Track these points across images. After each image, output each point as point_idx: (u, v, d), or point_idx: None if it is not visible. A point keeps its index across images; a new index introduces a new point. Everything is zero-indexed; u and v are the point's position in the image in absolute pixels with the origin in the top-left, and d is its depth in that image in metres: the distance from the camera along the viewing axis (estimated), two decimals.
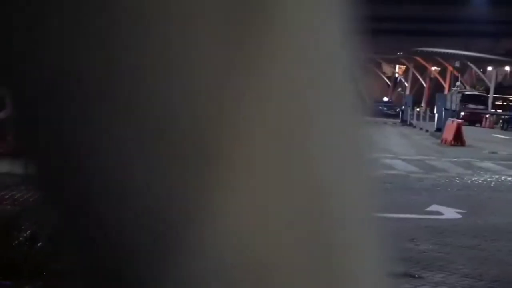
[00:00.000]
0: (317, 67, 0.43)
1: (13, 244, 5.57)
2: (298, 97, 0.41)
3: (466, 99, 63.61)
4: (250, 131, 0.41)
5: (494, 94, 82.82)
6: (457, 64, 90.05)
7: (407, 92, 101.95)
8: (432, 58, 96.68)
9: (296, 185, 0.42)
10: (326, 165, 0.43)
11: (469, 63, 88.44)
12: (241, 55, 0.40)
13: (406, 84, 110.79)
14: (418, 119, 52.64)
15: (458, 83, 70.28)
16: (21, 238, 5.62)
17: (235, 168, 0.40)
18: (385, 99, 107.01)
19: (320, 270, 0.42)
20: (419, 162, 23.72)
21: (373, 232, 0.46)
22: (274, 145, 0.41)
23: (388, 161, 23.65)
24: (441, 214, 13.48)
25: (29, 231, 5.66)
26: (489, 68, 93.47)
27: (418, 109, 57.95)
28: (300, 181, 0.42)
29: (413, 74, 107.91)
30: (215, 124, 0.40)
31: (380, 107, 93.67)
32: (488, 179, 19.63)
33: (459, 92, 61.73)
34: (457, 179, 19.33)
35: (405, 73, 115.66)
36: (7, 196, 12.24)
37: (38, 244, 5.68)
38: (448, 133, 34.06)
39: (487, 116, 60.90)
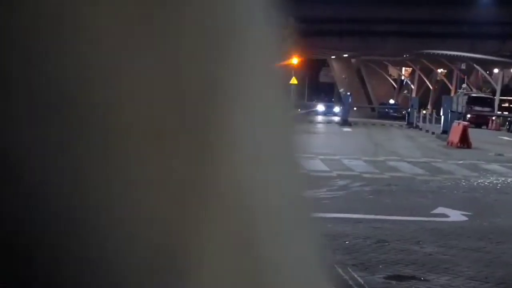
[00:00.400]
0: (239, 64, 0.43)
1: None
2: (220, 92, 0.41)
3: (472, 101, 63.52)
4: (168, 127, 0.40)
5: (501, 96, 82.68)
6: (463, 66, 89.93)
7: (413, 94, 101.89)
8: (438, 60, 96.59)
9: (219, 181, 0.41)
10: (250, 162, 0.43)
11: (475, 65, 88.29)
12: (156, 50, 0.39)
13: (412, 86, 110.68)
14: (424, 121, 52.58)
15: (464, 85, 70.16)
16: None
17: (155, 162, 0.39)
18: (391, 101, 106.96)
19: (244, 264, 0.43)
20: (425, 164, 23.67)
21: (301, 229, 0.46)
22: (195, 140, 0.40)
23: (394, 163, 23.63)
24: (447, 216, 13.42)
25: None
26: (496, 70, 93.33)
27: (424, 112, 57.90)
28: (224, 178, 0.41)
29: (419, 76, 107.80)
30: (133, 119, 0.39)
31: (387, 110, 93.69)
32: (494, 181, 19.57)
33: (465, 94, 61.66)
34: (463, 181, 19.27)
35: (411, 75, 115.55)
36: None
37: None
38: (454, 135, 34.00)
39: (494, 118, 60.80)
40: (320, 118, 69.23)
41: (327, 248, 0.47)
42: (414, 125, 54.48)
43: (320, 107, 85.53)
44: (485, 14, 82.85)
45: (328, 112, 68.65)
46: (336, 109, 63.03)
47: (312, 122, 60.09)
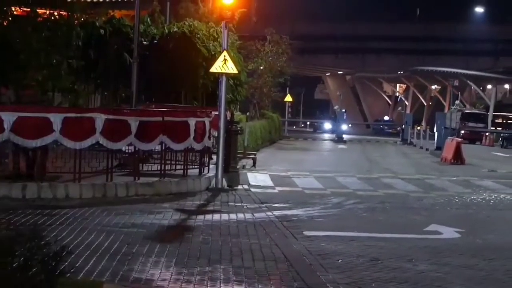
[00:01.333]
0: None
1: (6, 270, 5.55)
2: None
3: (466, 117, 63.55)
4: None
5: (494, 112, 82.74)
6: (456, 83, 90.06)
7: (408, 110, 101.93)
8: (432, 77, 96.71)
9: None
10: None
11: (468, 81, 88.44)
12: None
13: (406, 102, 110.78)
14: (418, 137, 52.63)
15: (457, 102, 70.26)
16: (14, 264, 5.59)
17: None
18: (386, 118, 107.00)
19: None
20: (419, 181, 23.72)
21: None
22: None
23: (388, 180, 23.67)
24: (440, 233, 13.45)
25: (22, 258, 5.63)
26: (489, 86, 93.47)
27: (418, 128, 57.94)
28: None
29: (414, 93, 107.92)
30: None
31: (381, 126, 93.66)
32: (487, 198, 19.60)
33: (458, 111, 61.75)
34: (456, 198, 19.30)
35: (406, 92, 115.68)
36: (4, 219, 12.21)
37: (33, 270, 5.65)
38: (448, 152, 34.05)
39: (487, 134, 60.86)
40: (327, 135, 68.09)
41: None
42: (409, 142, 54.48)
43: (327, 125, 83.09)
44: (479, 32, 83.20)
45: (335, 130, 66.69)
46: (344, 127, 62.16)
47: (307, 139, 60.05)
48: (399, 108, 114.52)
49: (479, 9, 79.59)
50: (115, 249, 10.15)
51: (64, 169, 16.51)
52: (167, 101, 26.04)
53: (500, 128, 70.28)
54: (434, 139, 46.16)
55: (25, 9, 19.43)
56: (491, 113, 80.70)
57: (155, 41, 28.11)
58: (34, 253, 5.71)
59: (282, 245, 11.13)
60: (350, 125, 77.79)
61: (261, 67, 50.37)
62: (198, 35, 28.21)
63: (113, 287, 8.01)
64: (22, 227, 11.21)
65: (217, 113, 19.68)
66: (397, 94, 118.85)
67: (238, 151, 23.36)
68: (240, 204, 16.21)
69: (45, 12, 19.10)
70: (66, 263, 5.94)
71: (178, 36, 28.15)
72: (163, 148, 18.48)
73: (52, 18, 18.72)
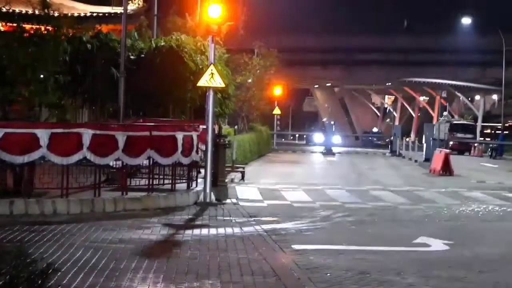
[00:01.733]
0: None
1: None
2: None
3: (454, 128, 63.72)
4: None
5: (482, 122, 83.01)
6: (443, 94, 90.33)
7: (396, 122, 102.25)
8: (420, 88, 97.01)
9: None
10: None
11: (456, 92, 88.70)
12: None
13: (395, 114, 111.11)
14: (407, 149, 52.70)
15: (445, 113, 70.40)
16: (0, 283, 5.55)
17: None
18: (375, 129, 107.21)
19: None
20: (408, 193, 23.73)
21: None
22: None
23: (377, 192, 23.68)
24: (429, 246, 13.43)
25: (8, 276, 5.58)
26: (477, 97, 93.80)
27: (407, 139, 58.04)
28: None
29: (402, 104, 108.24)
30: None
31: (370, 138, 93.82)
32: (476, 209, 19.62)
33: (447, 122, 61.88)
34: (445, 210, 19.31)
35: (394, 103, 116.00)
36: None
37: None
38: (436, 163, 34.12)
39: (476, 145, 61.01)
40: (318, 148, 66.62)
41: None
42: (397, 153, 54.55)
43: (318, 138, 78.91)
44: (467, 43, 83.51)
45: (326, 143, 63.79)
46: (335, 139, 61.10)
47: (296, 151, 60.02)
48: (388, 120, 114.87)
49: (466, 20, 79.91)
50: (103, 265, 10.09)
51: (51, 185, 16.45)
52: (154, 115, 26.00)
53: (488, 139, 70.50)
54: (423, 151, 46.25)
55: (11, 24, 19.36)
56: (479, 124, 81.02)
57: (143, 55, 28.05)
58: (20, 271, 5.67)
59: (270, 259, 11.09)
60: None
61: (249, 80, 50.42)
62: (186, 49, 28.18)
63: None
64: (8, 244, 11.15)
65: (205, 127, 19.65)
66: (386, 105, 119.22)
67: (227, 165, 23.33)
68: (228, 218, 16.17)
69: (32, 28, 19.02)
70: (53, 281, 5.90)
71: (166, 50, 28.12)
72: (151, 162, 18.44)
73: (39, 33, 18.63)
